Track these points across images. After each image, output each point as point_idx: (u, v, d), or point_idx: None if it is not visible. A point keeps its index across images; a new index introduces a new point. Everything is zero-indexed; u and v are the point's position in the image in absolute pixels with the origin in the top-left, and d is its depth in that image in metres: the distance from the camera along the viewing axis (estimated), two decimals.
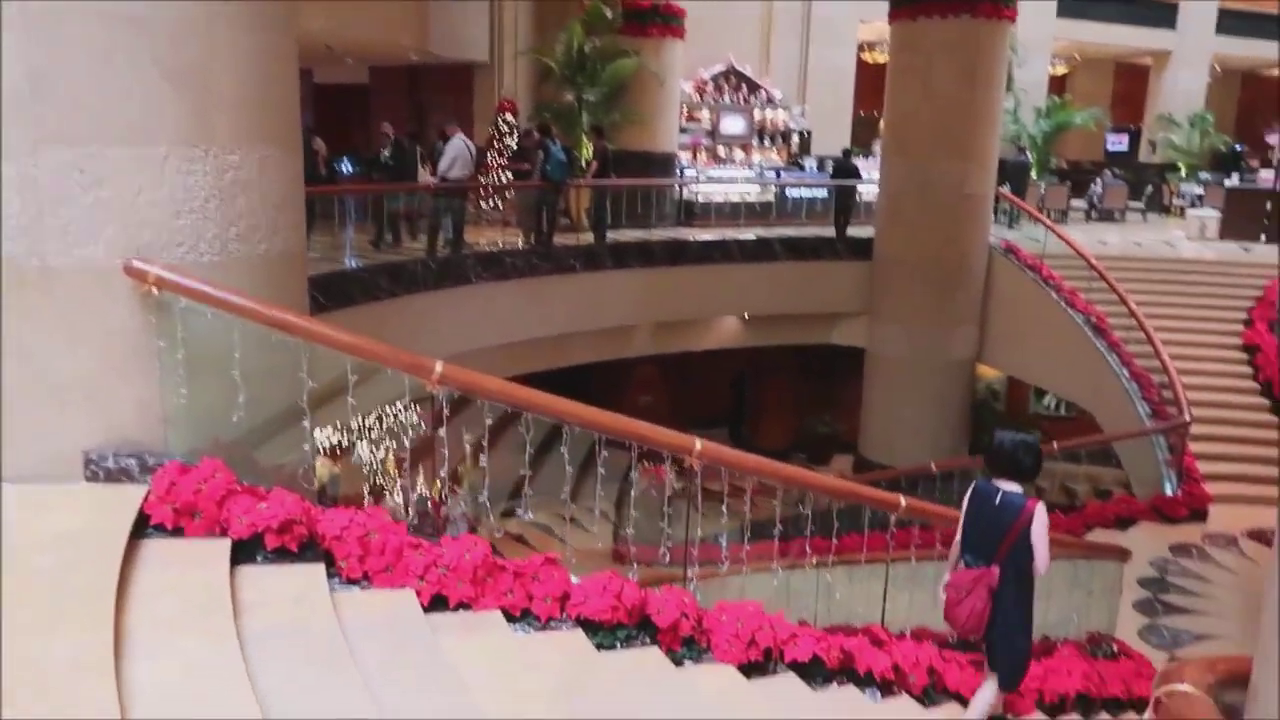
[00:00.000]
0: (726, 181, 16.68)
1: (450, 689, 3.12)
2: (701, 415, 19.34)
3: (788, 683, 4.04)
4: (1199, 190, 20.10)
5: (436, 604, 3.55)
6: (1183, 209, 19.74)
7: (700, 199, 15.84)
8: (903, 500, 4.62)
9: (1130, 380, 10.99)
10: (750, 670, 3.98)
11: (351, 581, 3.49)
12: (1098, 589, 6.49)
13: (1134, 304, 11.20)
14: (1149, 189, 21.17)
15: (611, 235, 13.35)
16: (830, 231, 14.78)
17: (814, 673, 4.18)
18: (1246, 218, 15.90)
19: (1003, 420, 17.88)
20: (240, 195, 3.95)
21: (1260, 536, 8.79)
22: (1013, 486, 4.14)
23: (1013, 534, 4.02)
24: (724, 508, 4.22)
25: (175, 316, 3.66)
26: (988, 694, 4.34)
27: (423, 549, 3.64)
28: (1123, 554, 6.25)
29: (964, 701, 4.65)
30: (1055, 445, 9.45)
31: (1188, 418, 9.29)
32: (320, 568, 3.43)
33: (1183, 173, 22.27)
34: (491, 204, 13.26)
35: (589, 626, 3.74)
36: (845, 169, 15.19)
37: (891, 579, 5.41)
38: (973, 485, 4.23)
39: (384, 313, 9.79)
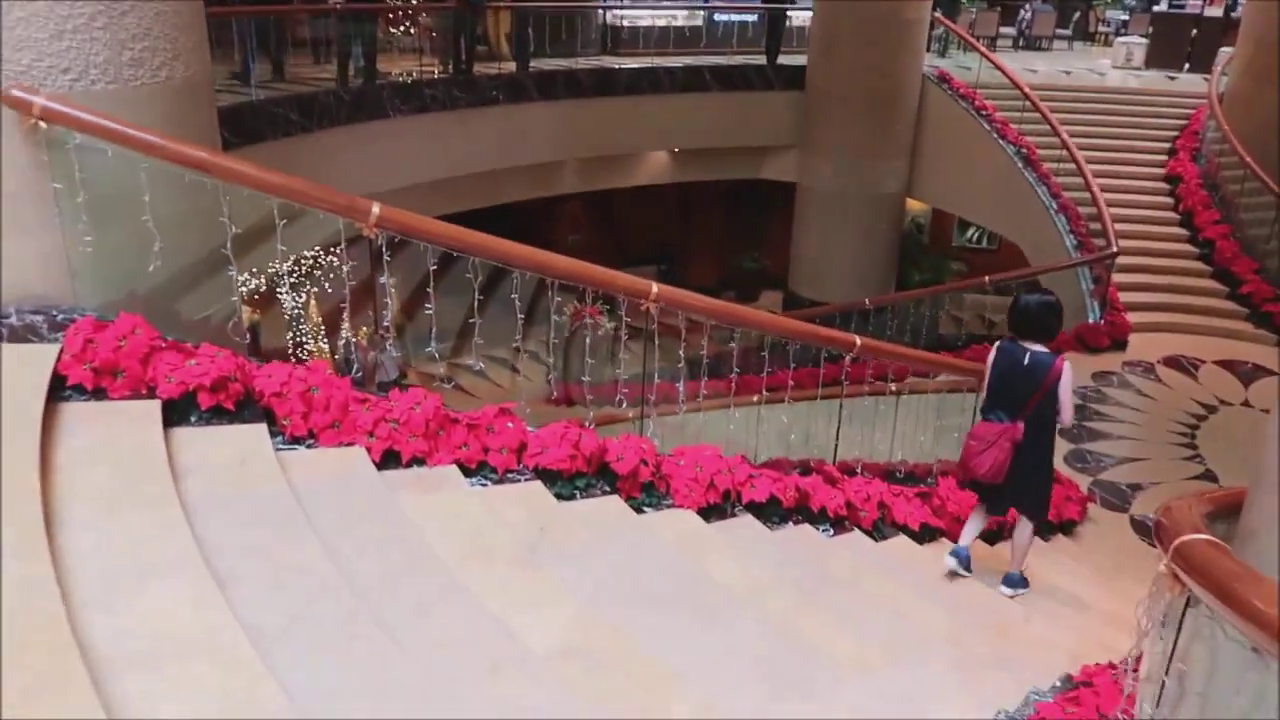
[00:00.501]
0: (652, 5, 15.83)
1: (411, 545, 3.00)
2: (631, 253, 19.12)
3: (746, 524, 4.05)
4: (1124, 16, 19.91)
5: (389, 460, 3.38)
6: (1109, 36, 19.58)
7: (626, 24, 15.04)
8: (858, 340, 4.56)
9: (1058, 213, 11.07)
10: (709, 513, 3.97)
11: (296, 440, 3.29)
12: None
13: (1066, 135, 11.14)
14: (1075, 15, 20.88)
15: (535, 64, 12.62)
16: (762, 59, 14.24)
17: (771, 512, 4.19)
18: (1173, 45, 15.83)
19: (927, 253, 18.09)
20: (130, 12, 3.46)
21: (1175, 363, 9.14)
22: (1038, 346, 4.34)
23: (1043, 389, 4.26)
24: (681, 349, 4.08)
25: (71, 155, 3.25)
26: (1024, 537, 4.58)
27: (370, 403, 3.44)
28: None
29: (910, 533, 4.78)
30: (988, 279, 9.52)
31: (1115, 249, 9.42)
32: (262, 427, 3.21)
33: None
34: (403, 29, 12.33)
35: (547, 476, 3.65)
36: None
37: (840, 413, 5.45)
38: (997, 346, 4.45)
39: (295, 149, 9.16)
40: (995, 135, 12.29)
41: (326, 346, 13.43)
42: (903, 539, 4.71)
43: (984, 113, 12.62)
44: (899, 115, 13.34)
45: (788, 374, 4.65)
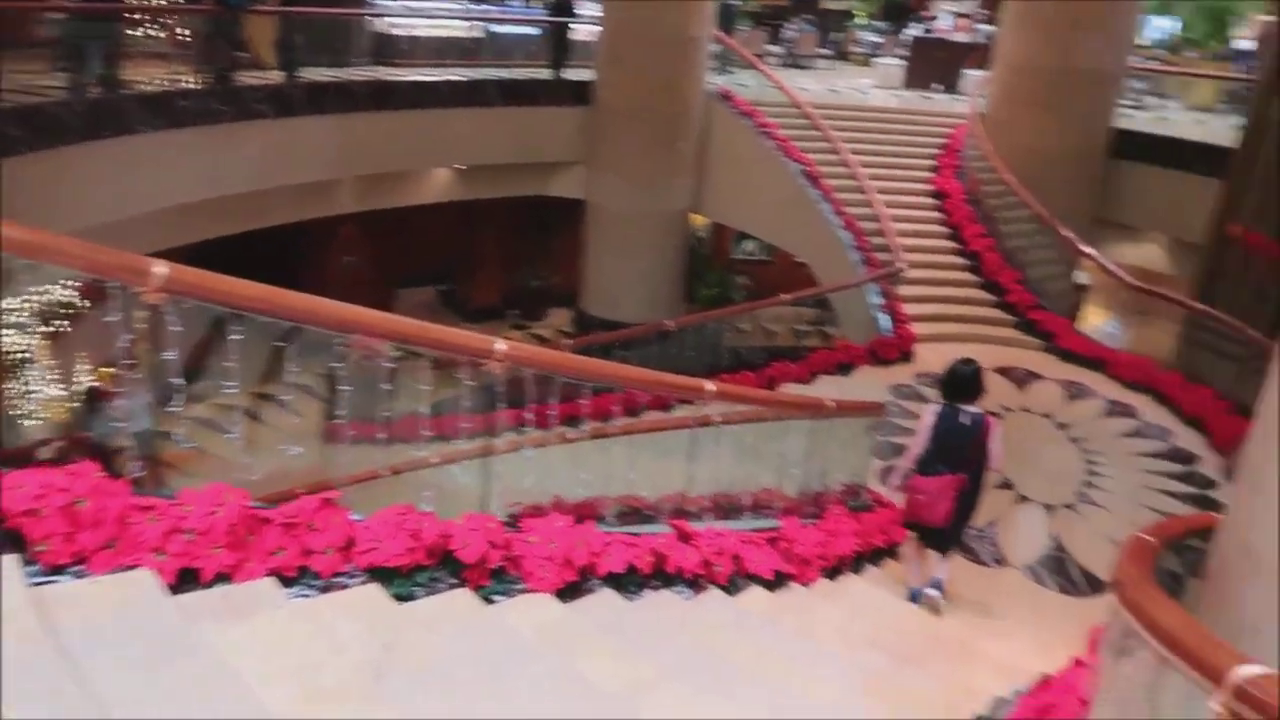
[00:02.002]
0: (428, 15, 15.12)
1: (226, 696, 2.37)
2: (411, 273, 18.25)
3: (605, 600, 3.66)
4: (877, 39, 21.21)
5: (186, 581, 2.72)
6: (866, 57, 20.77)
7: (402, 33, 14.24)
8: (709, 385, 4.27)
9: (843, 229, 11.44)
10: (566, 593, 3.54)
11: (58, 570, 2.57)
12: (847, 439, 6.69)
13: (848, 152, 11.54)
14: (836, 35, 22.03)
15: (303, 74, 11.63)
16: (548, 73, 13.90)
17: (629, 582, 3.82)
18: (927, 67, 16.94)
19: (712, 267, 18.40)
20: None
21: None
22: (971, 407, 5.17)
23: (979, 444, 5.08)
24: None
25: None
26: (946, 569, 5.40)
27: (156, 510, 2.76)
28: (878, 408, 6.45)
29: (764, 583, 4.55)
30: (785, 296, 9.64)
31: (901, 265, 9.80)
32: (8, 559, 2.46)
33: (858, 20, 23.38)
34: (151, 31, 10.99)
35: (383, 575, 3.09)
36: (560, 5, 14.23)
37: (638, 447, 5.14)
38: (937, 411, 5.18)
39: (21, 171, 7.83)
40: (778, 152, 12.58)
41: (62, 393, 11.77)
42: (758, 590, 4.47)
43: (766, 130, 12.89)
44: (684, 132, 13.41)
45: (592, 404, 4.29)
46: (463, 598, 3.21)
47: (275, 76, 11.34)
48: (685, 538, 4.27)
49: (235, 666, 2.47)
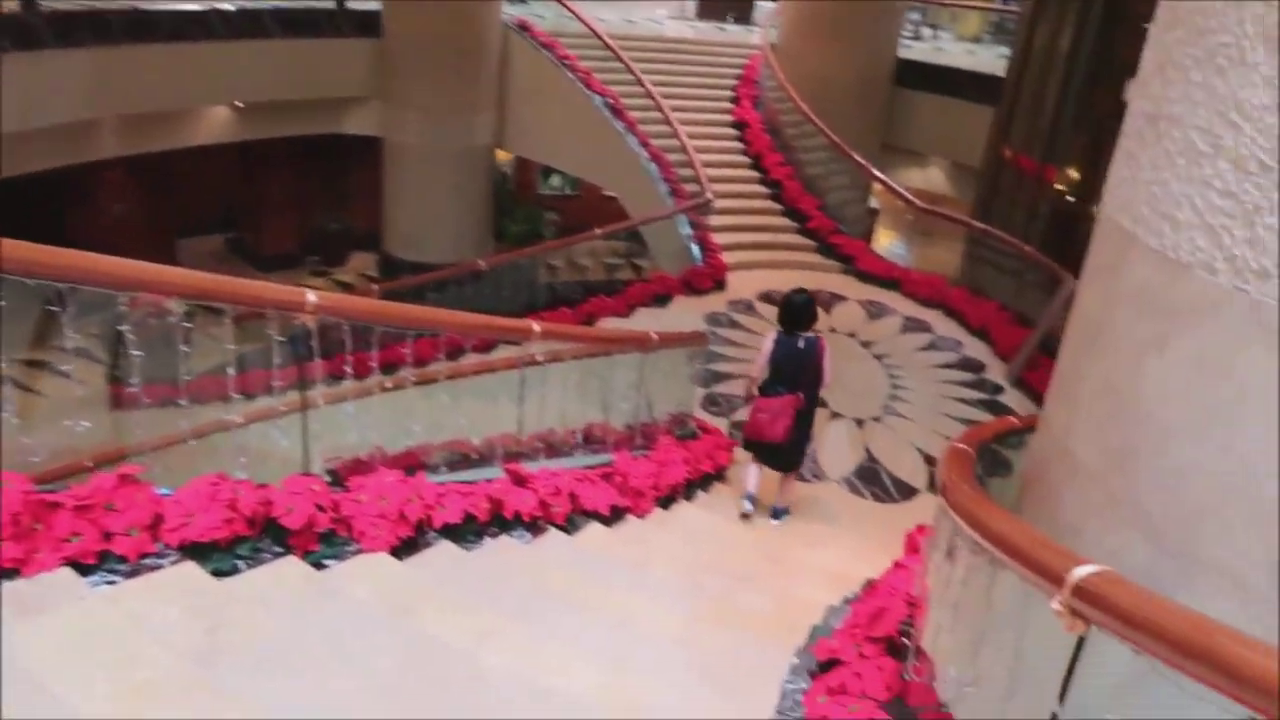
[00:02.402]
0: None
1: (12, 700, 2.10)
2: (191, 221, 16.92)
3: (443, 552, 3.52)
4: None
5: None
6: None
7: None
8: (535, 325, 4.15)
9: (649, 161, 11.45)
10: (402, 550, 3.38)
11: None
12: (670, 370, 6.75)
13: (650, 84, 11.50)
14: None
15: (46, 3, 10.34)
16: (331, 2, 13.00)
17: (467, 532, 3.70)
18: None
19: (519, 203, 18.08)
20: None
21: (769, 298, 9.91)
22: (806, 333, 5.54)
23: (813, 366, 5.49)
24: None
25: None
26: (793, 485, 5.86)
27: None
28: (700, 338, 6.53)
29: (601, 519, 4.54)
30: (598, 231, 9.57)
31: (710, 195, 9.92)
32: None
33: None
34: None
35: (199, 552, 2.82)
36: None
37: (463, 391, 5.00)
38: (774, 338, 5.56)
39: None
40: (580, 85, 12.38)
41: None
42: (596, 527, 4.45)
43: (567, 62, 12.64)
44: (482, 65, 12.96)
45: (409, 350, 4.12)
46: (291, 567, 2.99)
47: (10, 4, 10.01)
48: (520, 481, 4.18)
49: (30, 669, 2.19)
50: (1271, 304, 1.70)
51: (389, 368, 5.29)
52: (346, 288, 16.37)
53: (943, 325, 9.63)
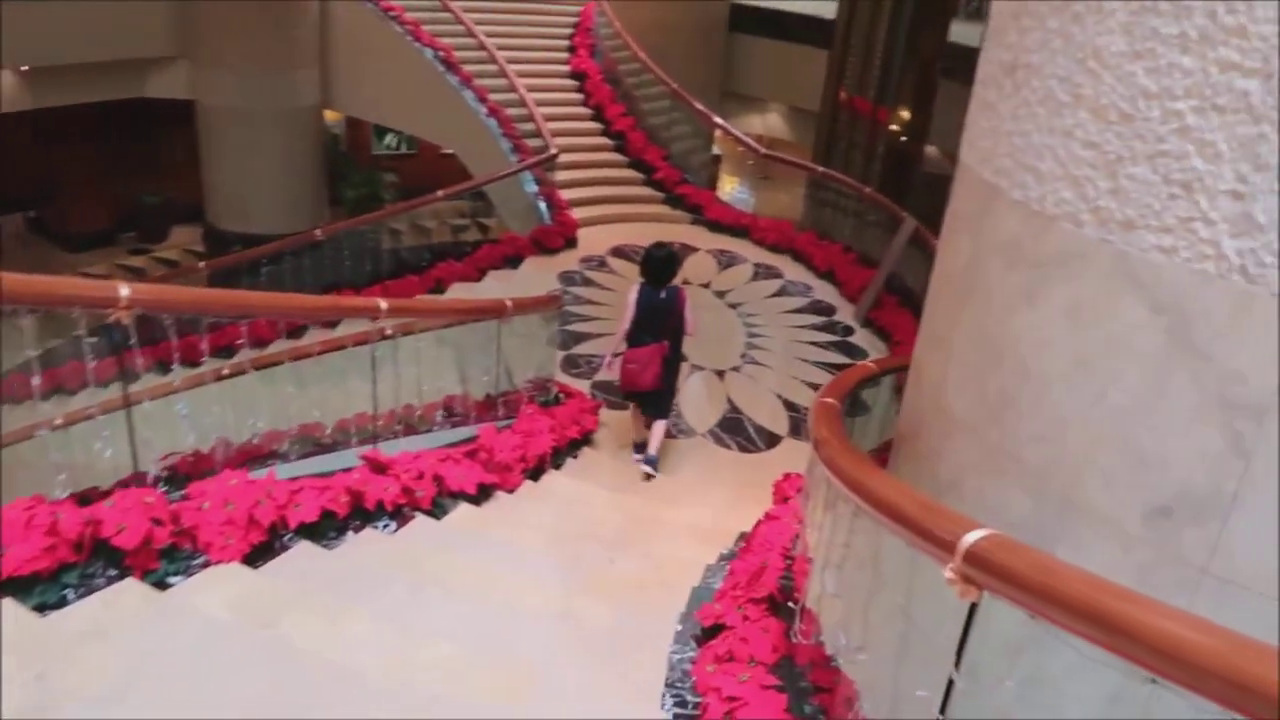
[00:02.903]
0: None
1: None
2: None
3: (302, 554, 3.29)
4: None
5: None
6: None
7: None
8: (382, 303, 3.89)
9: (488, 116, 11.08)
10: (257, 556, 3.14)
11: None
12: (528, 335, 6.58)
13: (483, 36, 11.09)
14: None
15: None
16: None
17: (326, 529, 3.48)
18: None
19: (354, 166, 17.27)
20: None
21: (621, 253, 9.82)
22: (668, 285, 5.81)
23: (676, 315, 5.78)
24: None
25: None
26: (661, 428, 6.00)
27: None
28: (556, 301, 6.37)
29: (469, 499, 4.37)
30: (441, 193, 9.20)
31: (554, 150, 9.68)
32: None
33: None
34: None
35: (19, 587, 2.52)
36: None
37: (309, 373, 4.71)
38: (638, 289, 5.79)
39: None
40: (409, 38, 11.82)
41: None
42: (465, 508, 4.28)
43: (392, 14, 12.03)
44: (299, 19, 12.21)
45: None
46: (130, 590, 2.71)
47: None
48: (380, 468, 3.96)
49: None
50: (1137, 254, 1.71)
51: (223, 351, 4.92)
52: (170, 265, 15.30)
53: (792, 270, 9.79)
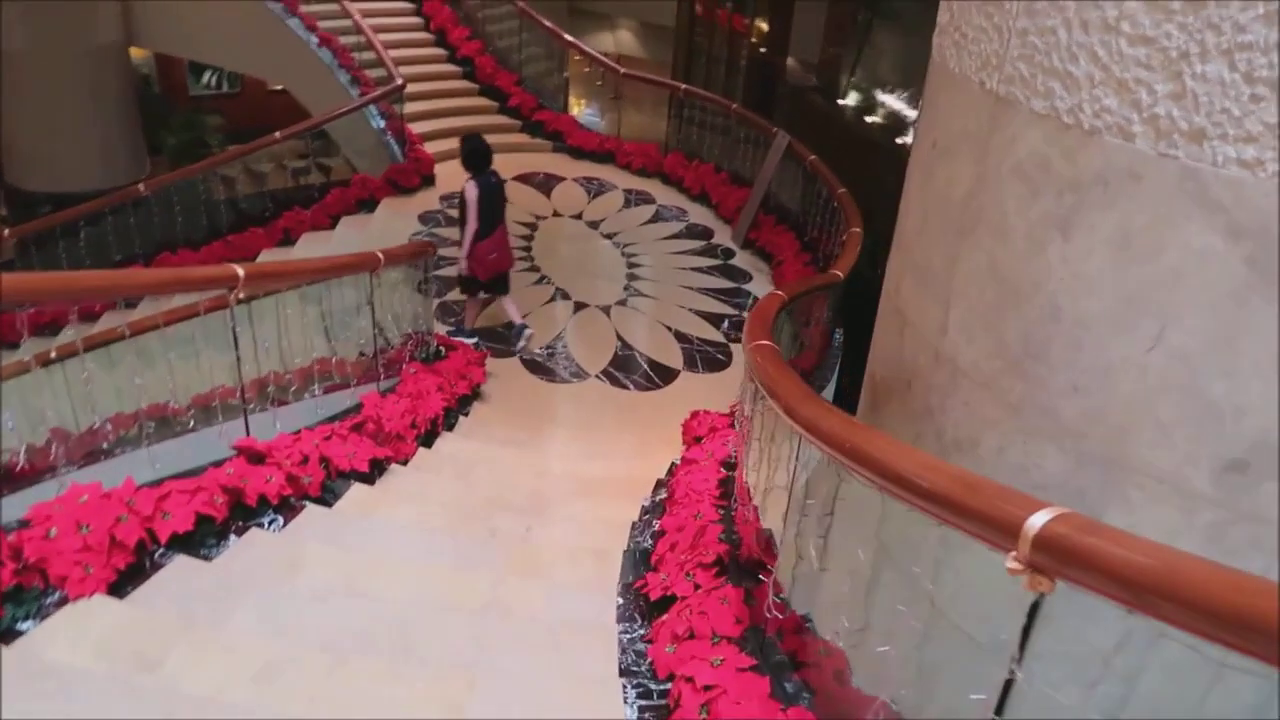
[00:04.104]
0: None
1: None
2: None
3: (177, 573, 2.81)
4: None
5: None
6: None
7: None
8: (238, 269, 3.35)
9: (320, 47, 10.16)
10: (125, 582, 2.65)
11: None
12: (398, 282, 6.05)
13: None
14: None
15: None
16: None
17: (204, 536, 3.00)
18: None
19: (164, 104, 15.73)
20: None
21: None
22: (492, 170, 6.26)
23: (503, 196, 6.31)
24: None
25: None
26: (512, 306, 6.57)
27: None
28: (429, 248, 5.84)
29: (362, 477, 3.93)
30: (279, 134, 8.39)
31: (400, 80, 8.95)
32: None
33: None
34: None
35: None
36: None
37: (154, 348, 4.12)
38: (476, 184, 6.13)
39: None
40: None
41: None
42: (358, 489, 3.83)
43: None
44: None
45: None
46: None
47: None
48: (258, 457, 3.47)
49: None
50: (1209, 170, 1.45)
51: (47, 328, 4.26)
52: None
53: (663, 194, 9.47)
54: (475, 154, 6.18)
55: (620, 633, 2.85)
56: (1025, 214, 1.72)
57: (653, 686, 2.55)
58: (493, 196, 6.16)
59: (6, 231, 7.91)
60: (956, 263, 1.89)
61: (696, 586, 2.89)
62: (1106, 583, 1.23)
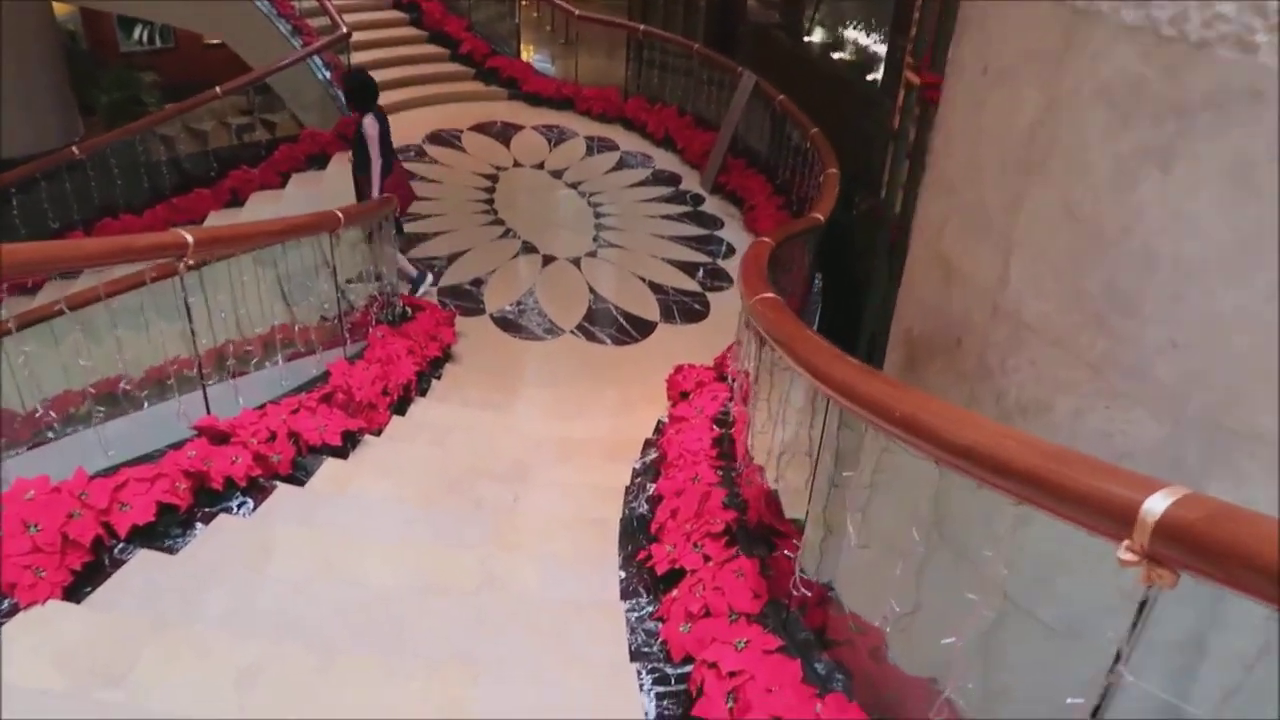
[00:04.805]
0: None
1: None
2: None
3: (139, 569, 2.57)
4: None
5: None
6: None
7: None
8: (187, 235, 3.05)
9: None
10: (82, 584, 2.41)
11: None
12: (357, 241, 5.73)
13: None
14: None
15: None
16: None
17: (168, 527, 2.76)
18: None
19: (93, 62, 14.96)
20: None
21: (439, 139, 8.88)
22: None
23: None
24: None
25: None
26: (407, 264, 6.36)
27: None
28: (391, 203, 5.53)
29: (334, 451, 3.68)
30: (219, 89, 7.94)
31: (345, 29, 8.50)
32: None
33: None
34: None
35: None
36: None
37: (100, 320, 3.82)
38: (374, 118, 5.92)
39: None
40: None
41: None
42: (331, 464, 3.59)
43: None
44: None
45: None
46: None
47: None
48: (222, 437, 3.21)
49: None
50: None
51: None
52: None
53: (626, 140, 9.16)
54: (365, 88, 5.97)
55: (627, 610, 2.66)
56: (1112, 145, 1.50)
57: (669, 671, 2.36)
58: (388, 130, 6.06)
59: None
60: (1019, 204, 1.68)
61: (707, 559, 2.70)
62: (1256, 579, 1.04)
